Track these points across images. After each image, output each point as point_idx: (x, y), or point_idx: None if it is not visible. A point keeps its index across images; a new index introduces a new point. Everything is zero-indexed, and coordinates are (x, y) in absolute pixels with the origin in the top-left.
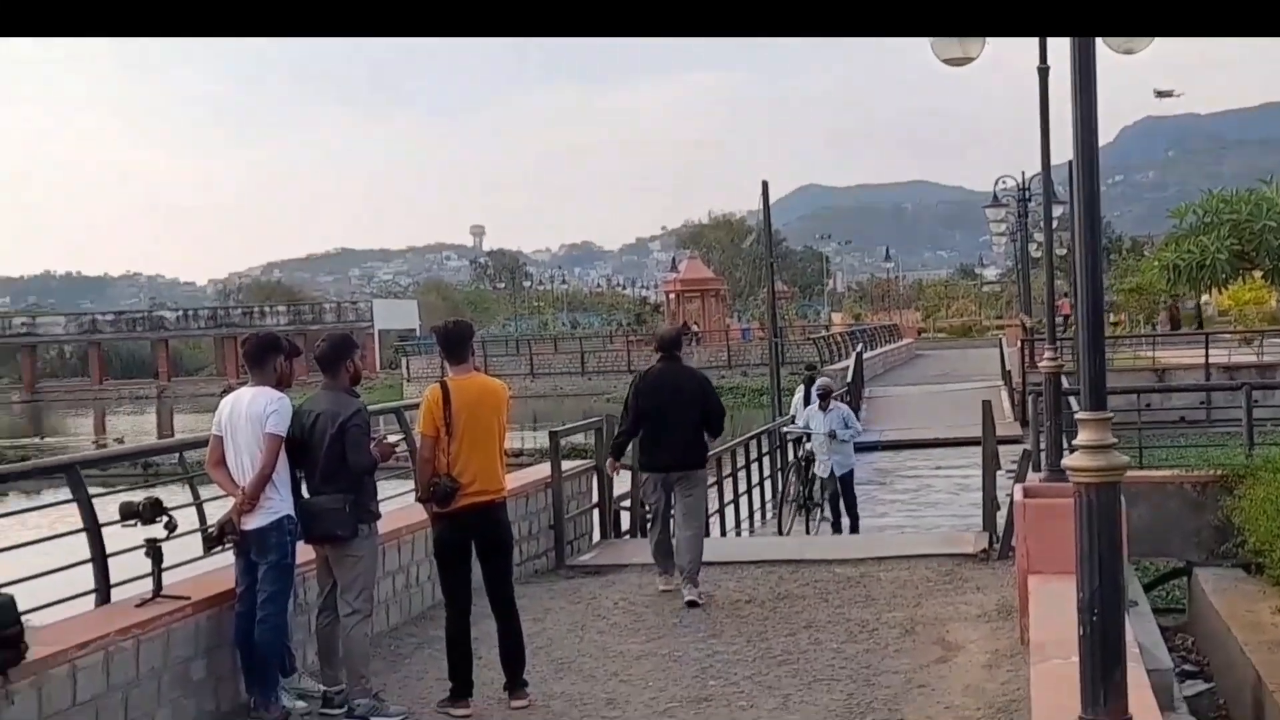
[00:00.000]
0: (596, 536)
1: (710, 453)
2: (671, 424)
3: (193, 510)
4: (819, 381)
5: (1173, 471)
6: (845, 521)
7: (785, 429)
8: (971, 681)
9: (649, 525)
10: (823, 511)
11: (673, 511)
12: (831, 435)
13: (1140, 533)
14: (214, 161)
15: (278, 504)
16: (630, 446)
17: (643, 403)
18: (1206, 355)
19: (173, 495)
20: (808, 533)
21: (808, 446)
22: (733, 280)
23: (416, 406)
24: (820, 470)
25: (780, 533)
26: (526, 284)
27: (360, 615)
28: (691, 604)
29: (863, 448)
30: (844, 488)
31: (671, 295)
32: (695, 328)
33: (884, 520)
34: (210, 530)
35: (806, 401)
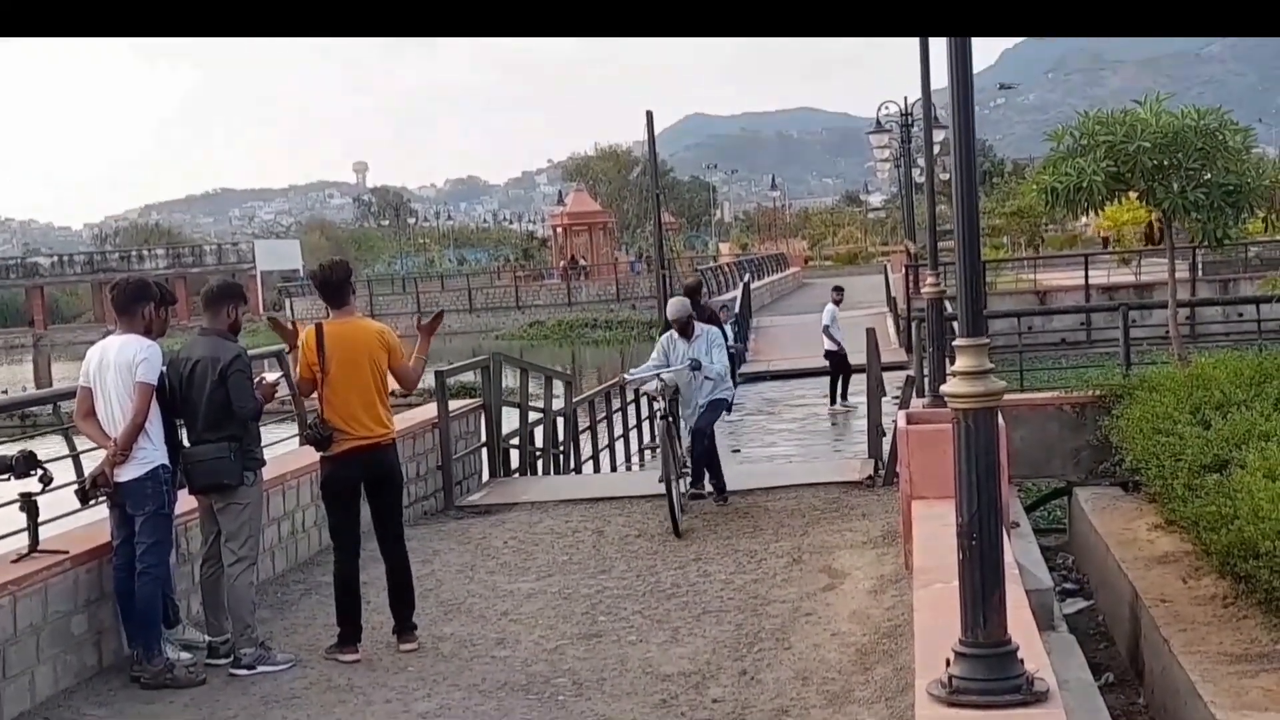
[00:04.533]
0: (485, 476)
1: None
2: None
3: (69, 462)
4: (673, 307)
5: (1053, 393)
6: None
7: (628, 376)
8: (857, 608)
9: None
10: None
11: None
12: (695, 366)
13: (1022, 454)
14: (85, 104)
15: (151, 454)
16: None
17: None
18: (1086, 277)
19: (50, 447)
20: (678, 516)
21: (661, 391)
22: (620, 212)
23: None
24: (688, 418)
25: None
26: (412, 221)
27: (245, 563)
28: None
29: (750, 378)
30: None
31: (559, 229)
32: (583, 261)
33: (773, 450)
34: (83, 484)
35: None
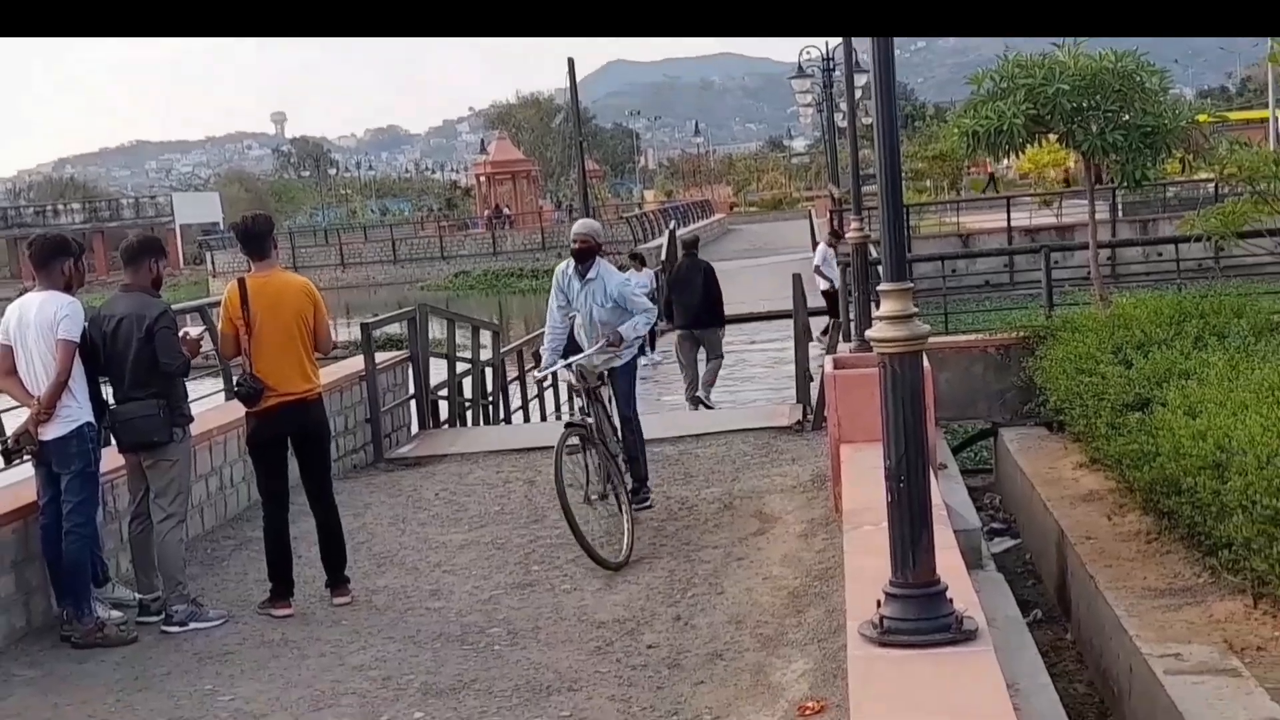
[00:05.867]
0: (415, 428)
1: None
2: (689, 297)
3: None
4: (578, 224)
5: (977, 336)
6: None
7: (538, 373)
8: (788, 551)
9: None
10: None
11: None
12: (615, 341)
13: (948, 397)
14: None
15: (76, 411)
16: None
17: (673, 283)
18: (1009, 219)
19: None
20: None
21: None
22: (544, 161)
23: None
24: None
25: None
26: (332, 172)
27: (175, 520)
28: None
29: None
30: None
31: (482, 178)
32: (507, 210)
33: None
34: (6, 442)
35: None
